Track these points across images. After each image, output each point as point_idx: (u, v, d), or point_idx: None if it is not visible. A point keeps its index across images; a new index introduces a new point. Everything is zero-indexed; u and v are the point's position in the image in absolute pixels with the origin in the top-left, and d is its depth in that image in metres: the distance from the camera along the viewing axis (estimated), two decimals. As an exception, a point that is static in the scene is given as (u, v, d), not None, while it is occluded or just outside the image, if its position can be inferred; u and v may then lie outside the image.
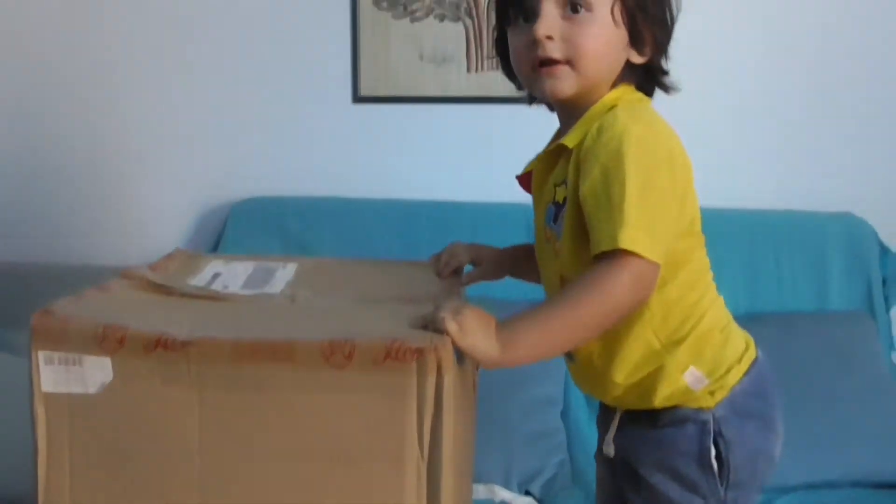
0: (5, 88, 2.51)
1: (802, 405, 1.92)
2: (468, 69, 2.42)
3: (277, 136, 2.49)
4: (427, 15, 2.40)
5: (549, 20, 1.06)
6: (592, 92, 1.09)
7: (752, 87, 2.31)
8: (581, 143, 1.03)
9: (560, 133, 1.15)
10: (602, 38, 1.05)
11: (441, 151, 2.44)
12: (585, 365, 1.12)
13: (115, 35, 2.47)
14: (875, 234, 2.26)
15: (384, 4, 2.41)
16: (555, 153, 1.09)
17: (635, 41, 1.07)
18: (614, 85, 1.10)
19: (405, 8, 2.40)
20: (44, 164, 2.53)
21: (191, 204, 2.50)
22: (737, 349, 1.11)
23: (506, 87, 2.37)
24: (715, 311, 1.10)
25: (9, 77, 2.51)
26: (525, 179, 1.19)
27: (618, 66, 1.08)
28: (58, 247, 2.52)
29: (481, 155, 2.43)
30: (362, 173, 2.47)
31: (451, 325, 0.90)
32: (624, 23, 1.05)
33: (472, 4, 2.39)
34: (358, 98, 2.45)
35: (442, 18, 2.40)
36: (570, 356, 1.13)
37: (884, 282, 2.26)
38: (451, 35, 2.41)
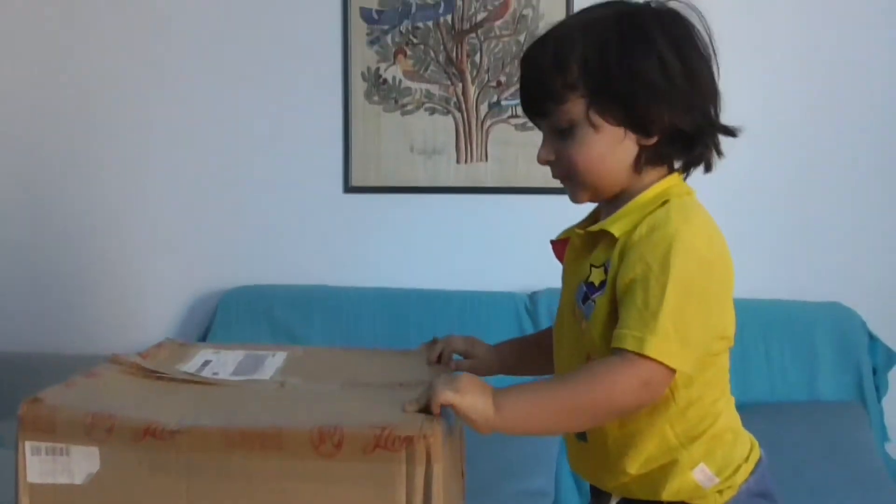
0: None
1: (796, 497, 1.89)
2: (458, 160, 2.46)
3: (268, 224, 2.50)
4: (418, 108, 2.46)
5: (547, 144, 1.11)
6: (622, 185, 1.10)
7: (741, 178, 2.35)
8: (629, 233, 1.04)
9: (600, 214, 1.15)
10: (591, 150, 1.07)
11: (430, 241, 2.47)
12: (597, 448, 1.11)
13: (107, 129, 2.51)
14: (863, 324, 2.27)
15: (376, 98, 2.46)
16: (596, 234, 1.10)
17: (633, 128, 1.06)
18: (654, 164, 1.09)
19: (396, 101, 2.46)
20: (36, 256, 2.54)
21: (181, 293, 2.50)
22: (744, 448, 1.12)
23: (494, 177, 2.45)
24: (729, 411, 1.12)
25: (2, 171, 2.54)
26: (559, 246, 1.19)
27: (625, 160, 1.08)
28: (49, 336, 2.51)
29: (470, 244, 2.46)
30: (352, 262, 2.48)
31: (447, 392, 0.92)
32: (608, 122, 1.05)
33: (462, 98, 2.45)
34: (349, 188, 2.48)
35: (432, 112, 2.46)
36: (582, 436, 1.12)
37: (874, 371, 2.27)
38: (441, 127, 2.46)
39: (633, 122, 1.05)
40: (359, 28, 2.44)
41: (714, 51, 1.10)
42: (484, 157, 2.46)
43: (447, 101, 2.45)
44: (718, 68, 1.10)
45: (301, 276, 2.46)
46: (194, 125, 2.50)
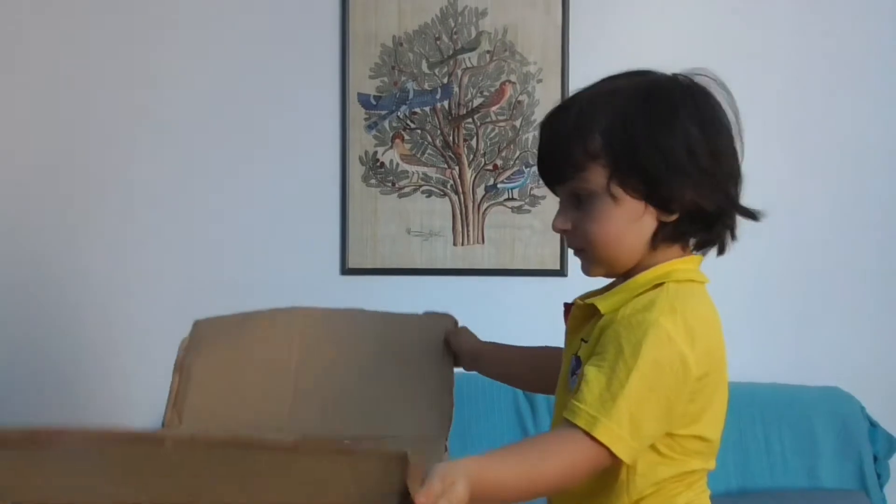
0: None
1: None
2: (454, 242, 2.47)
3: (265, 305, 2.49)
4: (415, 191, 2.48)
5: (563, 213, 1.08)
6: (636, 261, 1.07)
7: (737, 262, 2.35)
8: (614, 313, 1.03)
9: (612, 285, 1.12)
10: (609, 223, 1.04)
11: (427, 323, 2.45)
12: None
13: (95, 206, 2.52)
14: (863, 410, 2.25)
15: (373, 181, 2.48)
16: (592, 308, 1.07)
17: (654, 204, 1.04)
18: (670, 241, 1.07)
19: (393, 184, 2.48)
20: (23, 336, 2.52)
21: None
22: None
23: (490, 259, 2.45)
24: (693, 492, 1.08)
25: None
26: (568, 309, 1.16)
27: (643, 235, 1.05)
28: (40, 414, 2.47)
29: (467, 326, 2.44)
30: (348, 344, 2.46)
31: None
32: (629, 195, 1.03)
33: (459, 181, 2.47)
34: (346, 270, 2.48)
35: (429, 194, 2.48)
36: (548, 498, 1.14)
37: (875, 458, 2.24)
38: (438, 210, 2.47)
39: (655, 197, 1.03)
40: (357, 113, 2.48)
41: (740, 130, 1.08)
42: (480, 240, 2.47)
43: (444, 183, 2.48)
44: (743, 148, 1.08)
45: (296, 358, 2.44)
46: (191, 203, 2.51)
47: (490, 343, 1.36)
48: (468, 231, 2.47)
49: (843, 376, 2.31)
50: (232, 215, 2.51)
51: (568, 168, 1.05)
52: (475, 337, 1.37)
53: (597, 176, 1.03)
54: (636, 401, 0.95)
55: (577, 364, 1.06)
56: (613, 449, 0.94)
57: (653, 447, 1.02)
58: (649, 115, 1.03)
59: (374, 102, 2.48)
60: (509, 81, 2.47)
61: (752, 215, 1.09)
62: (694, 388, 1.00)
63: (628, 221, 1.04)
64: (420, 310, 2.43)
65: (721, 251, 1.11)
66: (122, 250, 2.52)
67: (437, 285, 2.47)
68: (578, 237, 1.08)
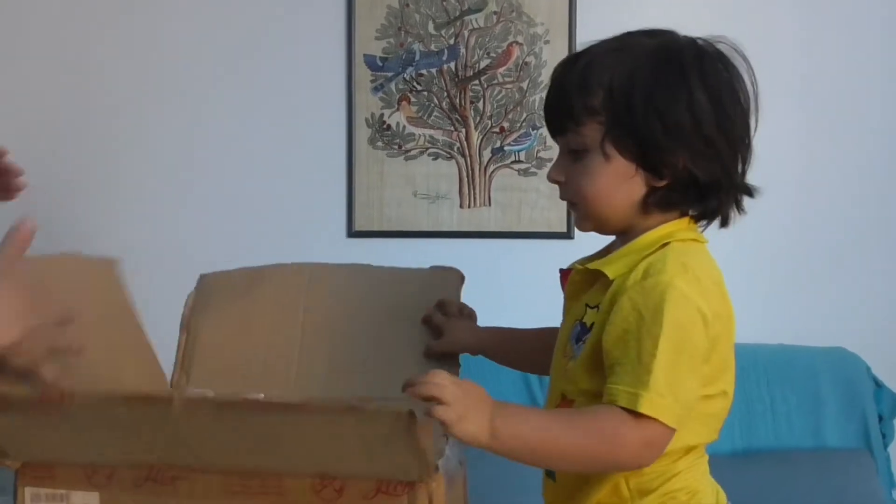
0: None
1: (803, 546, 1.87)
2: (461, 205, 2.47)
3: (272, 269, 2.51)
4: (421, 154, 2.48)
5: (559, 164, 1.08)
6: (627, 222, 1.07)
7: (743, 224, 2.35)
8: (624, 276, 1.02)
9: (608, 250, 1.12)
10: (599, 179, 1.03)
11: (434, 285, 2.46)
12: (561, 487, 1.11)
13: (104, 169, 2.53)
14: (868, 370, 2.26)
15: (379, 143, 2.48)
16: (595, 273, 1.06)
17: (645, 167, 1.03)
18: (664, 209, 1.05)
19: (400, 147, 2.48)
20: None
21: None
22: None
23: (496, 222, 2.45)
24: (689, 473, 1.08)
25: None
26: (564, 276, 1.15)
27: (632, 198, 1.04)
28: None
29: (473, 289, 2.44)
30: (355, 307, 2.48)
31: (447, 412, 0.88)
32: (622, 155, 1.02)
33: (465, 144, 2.47)
34: (352, 233, 2.49)
35: (436, 157, 2.47)
36: (551, 474, 1.12)
37: (880, 418, 2.25)
38: (444, 173, 2.47)
39: (646, 160, 1.02)
40: (363, 75, 2.47)
41: (756, 102, 1.05)
42: (487, 202, 2.47)
43: (450, 146, 2.47)
44: (757, 122, 1.06)
45: (304, 320, 2.45)
46: (196, 171, 2.51)
47: (489, 331, 1.33)
48: (475, 194, 2.47)
49: (849, 337, 2.31)
50: (239, 179, 2.51)
51: (567, 121, 1.05)
52: (472, 327, 1.32)
53: (593, 132, 1.03)
54: (670, 366, 0.95)
55: (583, 330, 1.05)
56: (663, 419, 0.93)
57: None
58: (655, 76, 1.01)
59: (380, 64, 2.47)
60: (516, 43, 2.45)
61: (748, 191, 1.08)
62: (714, 340, 1.00)
63: (618, 181, 1.03)
64: (427, 272, 2.45)
65: (724, 224, 1.10)
66: (127, 213, 2.53)
67: (443, 248, 2.47)
68: (569, 190, 1.08)
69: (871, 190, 2.38)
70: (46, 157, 2.52)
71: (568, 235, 2.41)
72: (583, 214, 1.08)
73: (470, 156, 2.47)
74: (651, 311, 0.96)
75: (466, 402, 0.89)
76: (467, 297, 2.61)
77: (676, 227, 1.06)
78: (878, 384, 2.26)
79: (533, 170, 2.44)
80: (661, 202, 1.04)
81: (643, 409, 0.93)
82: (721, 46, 1.06)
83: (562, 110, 1.05)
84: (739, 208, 1.09)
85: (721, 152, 1.02)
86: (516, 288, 2.43)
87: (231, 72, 2.51)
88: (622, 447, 0.94)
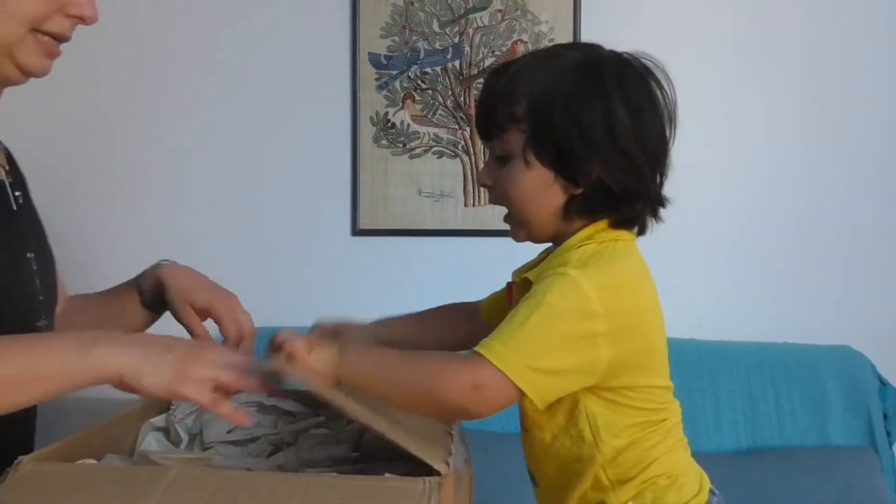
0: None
1: (808, 544, 1.87)
2: (465, 204, 2.47)
3: (276, 267, 2.51)
4: (426, 152, 2.48)
5: (487, 169, 1.12)
6: (553, 228, 1.10)
7: (748, 222, 2.36)
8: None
9: (543, 257, 1.16)
10: (521, 186, 1.07)
11: (438, 283, 2.47)
12: (546, 490, 1.15)
13: (116, 164, 2.53)
14: (873, 368, 2.26)
15: (384, 142, 2.48)
16: (528, 282, 1.09)
17: (563, 175, 1.06)
18: (584, 216, 1.08)
19: (404, 145, 2.48)
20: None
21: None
22: (683, 494, 1.11)
23: (500, 221, 2.45)
24: (669, 458, 1.10)
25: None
26: (510, 288, 1.19)
27: (553, 205, 1.07)
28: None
29: (477, 287, 2.44)
30: (360, 304, 2.47)
31: (298, 344, 0.97)
32: (541, 163, 1.06)
33: (469, 142, 2.47)
34: (357, 231, 2.49)
35: (440, 155, 2.48)
36: (534, 481, 1.16)
37: (885, 416, 2.25)
38: (448, 171, 2.47)
39: (563, 169, 1.05)
40: (367, 73, 2.47)
41: (673, 117, 1.08)
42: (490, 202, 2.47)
43: (455, 144, 2.47)
44: (674, 134, 1.08)
45: (309, 318, 2.43)
46: (199, 169, 2.52)
47: (375, 325, 1.40)
48: (479, 192, 2.47)
49: (853, 335, 2.31)
50: (243, 177, 2.51)
51: (492, 127, 1.09)
52: (360, 329, 1.39)
53: (516, 139, 1.06)
54: (535, 337, 0.97)
55: None
56: (494, 360, 0.96)
57: (612, 398, 1.05)
58: (576, 87, 1.05)
59: (384, 62, 2.47)
60: (521, 41, 2.45)
61: (661, 202, 1.10)
62: (614, 332, 1.01)
63: (538, 188, 1.07)
64: (431, 271, 2.46)
65: (641, 232, 1.11)
66: (127, 210, 2.53)
67: (447, 246, 2.48)
68: (496, 194, 1.12)
69: (876, 187, 2.38)
70: (48, 158, 2.53)
71: (572, 233, 2.41)
72: (514, 222, 1.13)
73: (474, 154, 2.47)
74: (538, 292, 1.00)
75: (315, 343, 0.99)
76: (471, 295, 2.62)
77: (595, 230, 1.08)
78: (883, 382, 2.26)
79: (537, 168, 2.44)
80: (579, 210, 1.07)
81: (488, 355, 0.96)
82: (645, 62, 1.09)
83: (488, 117, 1.10)
84: (656, 217, 1.11)
85: (637, 164, 1.05)
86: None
87: (235, 70, 2.51)
88: (446, 380, 0.97)
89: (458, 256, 2.48)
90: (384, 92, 2.47)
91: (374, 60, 2.47)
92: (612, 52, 1.09)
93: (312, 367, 0.96)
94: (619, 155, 1.04)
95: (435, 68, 2.47)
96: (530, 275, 1.08)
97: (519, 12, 2.44)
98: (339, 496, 0.84)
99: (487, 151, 1.13)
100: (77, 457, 0.95)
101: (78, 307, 1.34)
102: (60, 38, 1.11)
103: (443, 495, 0.85)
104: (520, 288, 1.11)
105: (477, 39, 2.45)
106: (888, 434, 2.24)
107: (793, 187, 2.39)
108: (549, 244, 1.15)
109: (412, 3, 2.46)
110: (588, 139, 1.03)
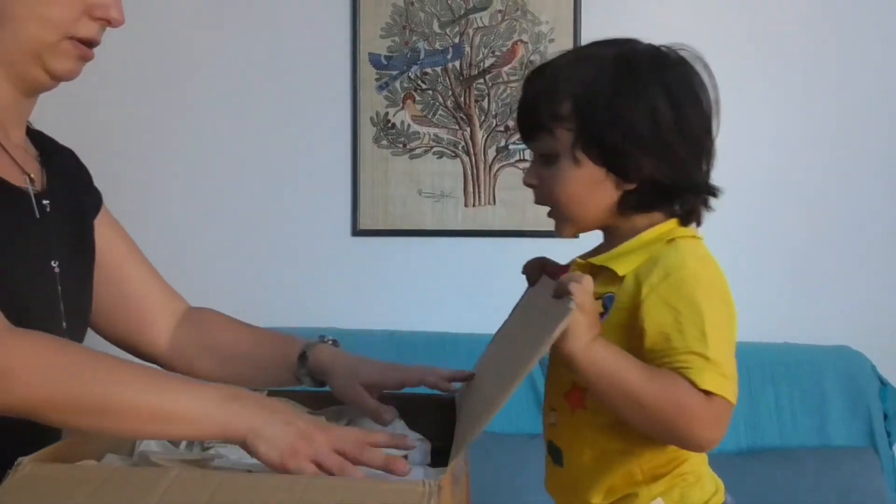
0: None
1: (808, 544, 1.87)
2: (465, 204, 2.47)
3: (276, 267, 2.51)
4: (426, 152, 2.48)
5: (532, 169, 1.12)
6: (606, 223, 1.11)
7: (751, 223, 2.36)
8: (635, 272, 1.04)
9: (602, 247, 1.14)
10: (570, 184, 1.07)
11: (438, 284, 2.47)
12: (570, 474, 1.12)
13: (116, 166, 2.54)
14: (873, 368, 2.26)
15: (384, 142, 2.48)
16: (598, 267, 1.09)
17: (614, 171, 1.06)
18: (639, 209, 1.09)
19: (404, 145, 2.48)
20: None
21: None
22: (705, 492, 1.11)
23: (501, 221, 2.46)
24: (695, 459, 1.11)
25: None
26: (562, 271, 1.16)
27: (605, 201, 1.08)
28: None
29: (478, 287, 2.46)
30: (360, 305, 2.48)
31: (588, 305, 0.96)
32: (591, 160, 1.06)
33: (470, 142, 2.47)
34: (357, 231, 2.49)
35: (440, 156, 2.48)
36: (559, 460, 1.14)
37: (885, 416, 2.25)
38: (449, 171, 2.47)
39: (614, 165, 1.06)
40: (368, 73, 2.47)
41: (717, 105, 1.09)
42: (492, 201, 2.47)
43: (455, 145, 2.47)
44: (719, 124, 1.09)
45: (309, 318, 2.46)
46: (200, 169, 2.52)
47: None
48: (479, 192, 2.47)
49: (854, 335, 2.31)
50: (243, 177, 2.52)
51: (537, 128, 1.09)
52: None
53: (562, 138, 1.06)
54: (721, 342, 0.99)
55: None
56: (727, 395, 0.97)
57: None
58: (618, 83, 1.05)
59: (384, 62, 2.47)
60: (521, 41, 2.45)
61: (711, 192, 1.10)
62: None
63: (589, 185, 1.07)
64: (431, 271, 2.46)
65: (698, 223, 1.12)
66: (127, 210, 2.53)
67: (447, 247, 2.48)
68: (544, 194, 1.11)
69: (876, 187, 2.38)
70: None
71: (572, 234, 2.41)
72: (561, 219, 1.12)
73: (475, 154, 2.47)
74: (687, 304, 0.99)
75: (589, 313, 0.97)
76: (471, 295, 2.63)
77: (672, 225, 1.09)
78: (883, 382, 2.26)
79: (537, 168, 2.44)
80: (635, 205, 1.08)
81: (714, 389, 0.96)
82: (683, 53, 1.09)
83: (531, 118, 1.10)
84: (707, 207, 1.12)
85: (683, 155, 1.06)
86: (521, 287, 2.43)
87: (235, 70, 2.51)
88: (696, 420, 0.97)
89: (458, 257, 2.48)
90: (384, 92, 2.47)
91: (375, 61, 2.47)
92: (649, 45, 1.10)
93: (573, 332, 0.95)
94: (665, 149, 1.05)
95: (435, 68, 2.47)
96: (612, 264, 1.07)
97: (519, 12, 2.44)
98: (339, 497, 0.84)
99: (532, 151, 1.13)
100: (77, 457, 0.95)
101: (223, 327, 1.38)
102: (92, 43, 1.11)
103: (442, 497, 0.85)
104: (583, 270, 1.10)
105: (477, 40, 2.46)
106: (888, 434, 2.24)
107: (794, 188, 2.39)
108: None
109: (412, 4, 2.46)
110: (635, 135, 1.04)
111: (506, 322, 1.32)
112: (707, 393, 0.96)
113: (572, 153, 1.06)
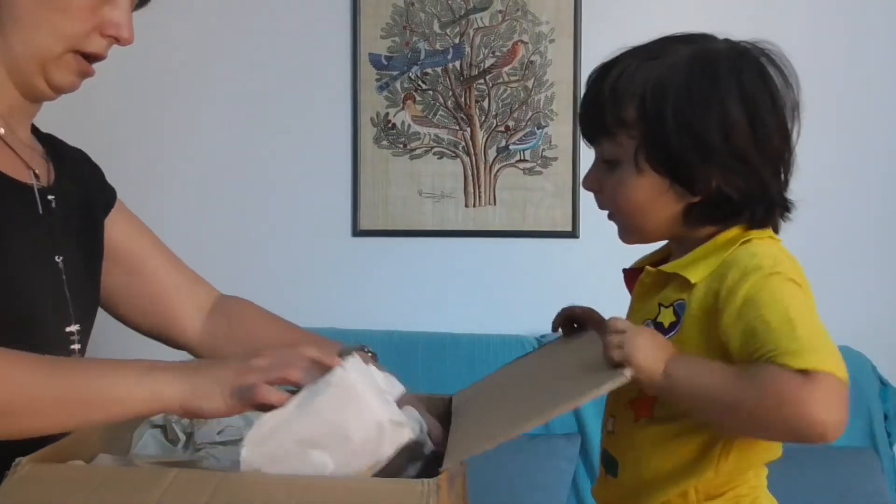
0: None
1: (808, 545, 1.87)
2: (466, 204, 2.47)
3: (276, 267, 2.51)
4: (426, 152, 2.48)
5: (594, 173, 1.07)
6: (671, 232, 1.05)
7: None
8: (708, 279, 0.99)
9: (671, 253, 1.09)
10: (633, 193, 1.02)
11: (438, 284, 2.47)
12: (623, 486, 1.08)
13: (115, 166, 2.53)
14: (874, 369, 2.26)
15: (384, 142, 2.48)
16: (667, 275, 1.03)
17: (679, 182, 1.00)
18: (706, 222, 1.02)
19: (405, 146, 2.48)
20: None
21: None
22: None
23: (501, 221, 2.46)
24: (754, 482, 1.06)
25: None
26: (630, 275, 1.12)
27: (668, 212, 1.02)
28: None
29: (478, 287, 2.46)
30: (360, 305, 2.48)
31: (616, 351, 0.91)
32: (654, 169, 1.00)
33: (470, 143, 2.47)
34: (357, 231, 2.49)
35: (441, 156, 2.48)
36: (613, 470, 1.09)
37: (885, 417, 2.25)
38: (449, 172, 2.47)
39: (678, 176, 0.99)
40: (368, 73, 2.47)
41: (798, 109, 1.02)
42: (492, 201, 2.47)
43: (455, 145, 2.47)
44: (800, 129, 1.03)
45: (309, 318, 2.45)
46: (200, 170, 2.52)
47: None
48: (480, 193, 2.47)
49: (854, 335, 2.30)
50: (244, 177, 2.52)
51: (599, 131, 1.03)
52: None
53: (626, 144, 1.01)
54: (811, 325, 0.92)
55: (661, 331, 1.01)
56: (832, 370, 0.87)
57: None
58: (688, 89, 0.98)
59: (385, 63, 2.47)
60: (521, 41, 2.45)
61: (784, 206, 1.06)
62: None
63: (652, 195, 1.01)
64: (431, 272, 2.46)
65: (775, 231, 1.08)
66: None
67: (448, 247, 2.48)
68: (605, 199, 1.06)
69: (878, 188, 2.38)
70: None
71: (573, 234, 2.40)
72: (623, 227, 1.07)
73: (475, 155, 2.47)
74: (767, 297, 0.93)
75: (641, 343, 0.92)
76: (471, 295, 2.63)
77: (742, 230, 1.04)
78: (884, 383, 2.26)
79: (538, 169, 2.44)
80: (700, 217, 1.02)
81: (805, 366, 0.87)
82: (766, 49, 1.02)
83: (594, 120, 1.04)
84: (783, 218, 1.08)
85: (757, 168, 1.00)
86: (521, 287, 2.44)
87: (236, 71, 2.51)
88: (802, 403, 0.87)
89: (458, 257, 2.48)
90: (385, 93, 2.48)
91: (375, 61, 2.47)
92: (727, 45, 1.03)
93: (642, 349, 0.91)
94: (737, 161, 0.98)
95: (435, 69, 2.47)
96: (684, 271, 1.00)
97: (519, 13, 2.44)
98: (338, 497, 0.84)
99: (594, 154, 1.07)
100: (76, 457, 0.95)
101: (255, 321, 1.39)
102: (96, 58, 1.13)
103: (441, 497, 0.85)
104: (652, 277, 1.05)
105: (477, 40, 2.46)
106: (889, 435, 2.24)
107: (793, 188, 2.38)
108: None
109: (413, 4, 2.46)
110: (704, 146, 0.97)
111: (543, 352, 1.25)
112: (805, 372, 0.86)
113: (635, 161, 1.00)
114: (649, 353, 0.92)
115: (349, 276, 2.50)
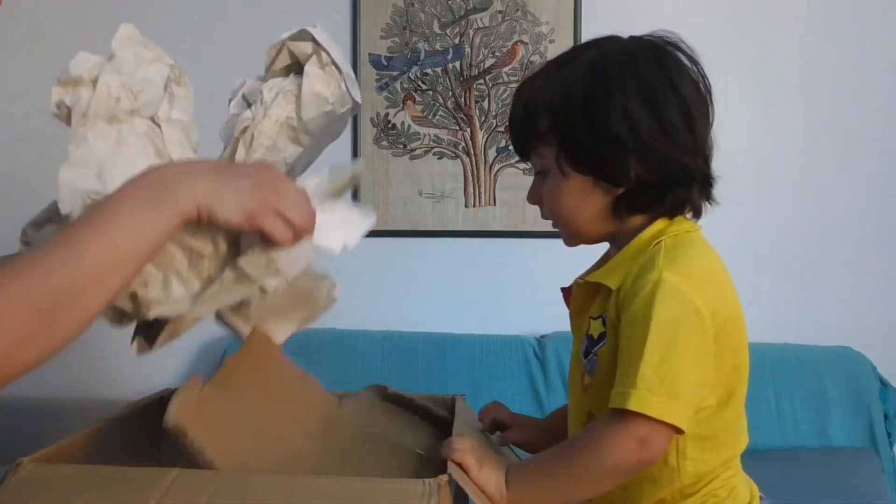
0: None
1: (809, 545, 1.87)
2: (466, 205, 2.47)
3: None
4: (426, 153, 2.48)
5: (533, 186, 1.12)
6: (605, 231, 1.09)
7: (748, 222, 2.36)
8: (624, 283, 1.02)
9: (606, 259, 1.13)
10: (563, 197, 1.07)
11: (438, 284, 2.47)
12: (601, 501, 1.10)
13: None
14: (874, 369, 2.26)
15: (384, 143, 2.48)
16: (596, 285, 1.07)
17: (601, 178, 1.04)
18: (634, 211, 1.06)
19: (405, 146, 2.48)
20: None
21: (188, 339, 2.48)
22: (739, 502, 1.09)
23: (502, 221, 2.46)
24: (727, 473, 1.09)
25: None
26: (567, 294, 1.16)
27: (597, 208, 1.06)
28: (51, 381, 2.50)
29: (478, 288, 2.46)
30: (360, 306, 2.48)
31: (468, 456, 0.95)
32: (576, 171, 1.05)
33: (470, 143, 2.47)
34: (357, 232, 2.49)
35: (441, 156, 2.48)
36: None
37: (886, 417, 2.25)
38: (449, 172, 2.47)
39: (599, 173, 1.04)
40: (368, 74, 2.47)
41: (705, 91, 1.05)
42: (492, 202, 2.47)
43: (455, 145, 2.47)
44: (713, 110, 1.06)
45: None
46: (205, 169, 2.52)
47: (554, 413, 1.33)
48: (479, 193, 2.47)
49: (854, 336, 2.31)
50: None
51: (525, 146, 1.10)
52: (527, 422, 1.33)
53: (547, 153, 1.07)
54: (661, 362, 0.93)
55: (591, 343, 1.05)
56: (651, 413, 0.92)
57: (699, 433, 1.02)
58: (588, 90, 1.03)
59: (385, 63, 2.47)
60: (521, 42, 2.45)
61: (706, 182, 1.07)
62: (717, 336, 0.99)
63: (580, 195, 1.06)
64: (432, 272, 2.45)
65: (696, 215, 1.10)
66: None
67: (448, 247, 2.48)
68: (545, 210, 1.11)
69: (877, 187, 2.38)
70: (45, 156, 2.53)
71: (573, 234, 2.40)
72: (564, 232, 1.12)
73: (475, 155, 2.47)
74: (642, 311, 0.96)
75: (487, 458, 0.98)
76: (471, 296, 2.62)
77: (663, 225, 1.06)
78: (884, 383, 2.26)
79: (538, 169, 2.44)
80: (629, 207, 1.06)
81: (630, 406, 0.93)
82: (666, 38, 1.07)
83: (518, 137, 1.11)
84: (709, 199, 1.09)
85: (665, 152, 1.02)
86: (521, 287, 2.44)
87: (235, 71, 2.50)
88: (613, 451, 0.94)
89: (458, 257, 2.48)
90: (385, 93, 2.47)
91: (375, 61, 2.47)
92: (627, 41, 1.08)
93: (482, 486, 0.95)
94: (648, 148, 1.02)
95: (435, 69, 2.47)
96: (604, 279, 1.04)
97: (519, 13, 2.44)
98: (338, 497, 0.84)
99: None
100: (76, 457, 0.95)
101: None
102: None
103: (442, 496, 0.85)
104: (582, 290, 1.10)
105: (477, 40, 2.46)
106: (889, 435, 2.24)
107: (793, 188, 2.39)
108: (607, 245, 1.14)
109: (413, 4, 2.46)
110: (614, 140, 1.02)
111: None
112: (625, 413, 0.93)
113: (559, 167, 1.06)
114: (493, 472, 0.97)
115: (348, 277, 2.48)
